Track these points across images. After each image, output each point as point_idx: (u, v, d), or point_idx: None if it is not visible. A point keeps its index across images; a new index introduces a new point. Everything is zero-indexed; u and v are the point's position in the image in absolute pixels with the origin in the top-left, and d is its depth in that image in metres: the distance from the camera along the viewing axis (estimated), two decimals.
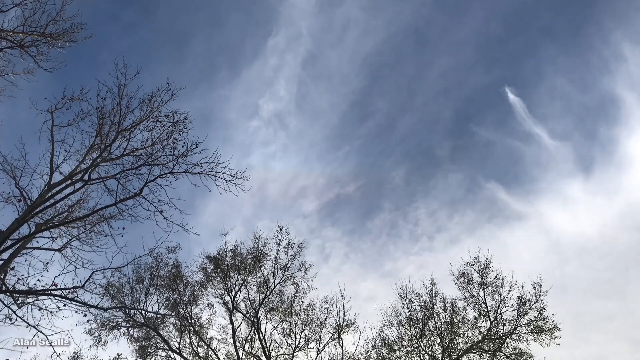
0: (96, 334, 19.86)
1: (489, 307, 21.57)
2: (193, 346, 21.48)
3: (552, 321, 20.86)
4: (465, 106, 51.98)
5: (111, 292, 19.55)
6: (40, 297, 10.89)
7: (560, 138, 48.68)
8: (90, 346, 19.56)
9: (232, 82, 49.68)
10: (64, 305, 10.91)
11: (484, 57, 51.10)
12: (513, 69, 50.31)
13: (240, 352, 21.29)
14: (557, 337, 20.65)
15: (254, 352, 21.82)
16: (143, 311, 20.09)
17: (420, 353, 21.80)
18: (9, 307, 10.61)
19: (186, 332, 21.52)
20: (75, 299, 10.86)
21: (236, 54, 49.37)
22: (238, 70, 50.01)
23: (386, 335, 22.50)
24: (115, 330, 20.17)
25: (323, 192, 51.01)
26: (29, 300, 10.91)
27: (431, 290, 22.70)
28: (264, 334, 21.65)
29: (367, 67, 51.91)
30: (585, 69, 48.24)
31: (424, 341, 22.06)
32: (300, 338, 21.93)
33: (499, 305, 21.52)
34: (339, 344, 21.93)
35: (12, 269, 11.18)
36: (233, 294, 21.91)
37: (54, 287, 10.78)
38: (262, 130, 50.08)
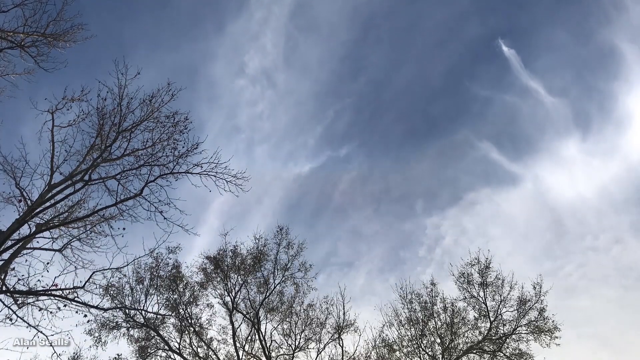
0: (96, 334, 19.86)
1: (489, 308, 21.59)
2: (193, 346, 21.48)
3: (553, 321, 20.90)
4: (460, 61, 49.29)
5: (111, 292, 19.57)
6: (41, 298, 10.90)
7: (558, 94, 46.29)
8: (90, 346, 19.57)
9: (217, 37, 46.44)
10: (64, 305, 10.93)
11: (479, 7, 47.48)
12: (508, 19, 47.04)
13: (240, 353, 21.30)
14: (557, 337, 20.68)
15: (254, 353, 21.82)
16: (143, 311, 20.10)
17: (420, 353, 21.80)
18: (9, 308, 10.62)
19: (186, 332, 21.51)
20: (76, 299, 10.88)
21: (220, 6, 45.83)
22: (222, 24, 46.52)
23: (386, 335, 22.53)
24: (115, 331, 20.17)
25: (315, 154, 48.56)
26: (29, 300, 10.92)
27: (431, 290, 22.74)
28: (264, 334, 21.66)
29: (358, 17, 47.78)
30: (583, 19, 45.32)
31: (424, 341, 22.06)
32: (300, 338, 21.95)
33: (499, 306, 21.54)
34: (339, 345, 21.95)
35: (13, 269, 11.19)
36: (233, 295, 21.92)
37: (54, 287, 10.80)
38: (249, 88, 47.11)
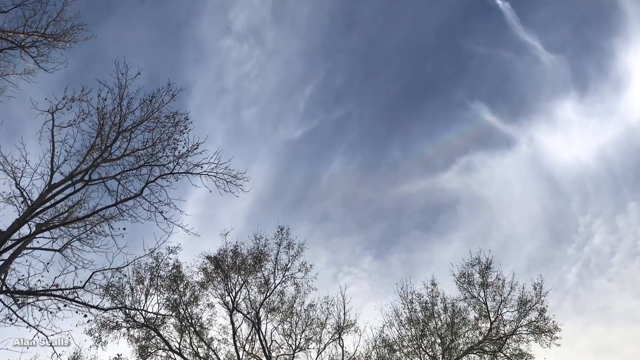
0: (96, 334, 19.83)
1: (489, 308, 21.57)
2: (193, 346, 21.47)
3: (553, 322, 20.90)
4: (453, 15, 46.58)
5: (111, 292, 19.55)
6: (41, 298, 10.90)
7: (555, 50, 43.65)
8: (90, 346, 19.53)
9: None
10: (64, 305, 10.94)
11: None
12: None
13: (241, 353, 21.28)
14: (557, 337, 20.67)
15: (254, 353, 21.80)
16: (143, 311, 20.08)
17: (420, 353, 21.78)
18: (9, 308, 10.62)
19: (186, 332, 21.50)
20: (76, 299, 10.88)
21: None
22: None
23: (386, 335, 22.51)
24: (116, 331, 20.14)
25: (306, 116, 46.14)
26: (30, 300, 10.91)
27: (432, 290, 22.71)
28: (264, 334, 21.66)
29: None
30: None
31: (425, 342, 22.04)
32: (300, 338, 21.94)
33: (499, 306, 21.54)
34: (340, 345, 21.94)
35: (13, 269, 11.20)
36: (233, 295, 21.91)
37: (54, 287, 10.80)
38: (236, 48, 44.38)
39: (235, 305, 21.73)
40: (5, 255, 10.89)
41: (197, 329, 21.66)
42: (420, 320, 22.34)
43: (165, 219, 12.59)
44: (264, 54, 45.87)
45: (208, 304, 22.29)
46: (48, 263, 11.49)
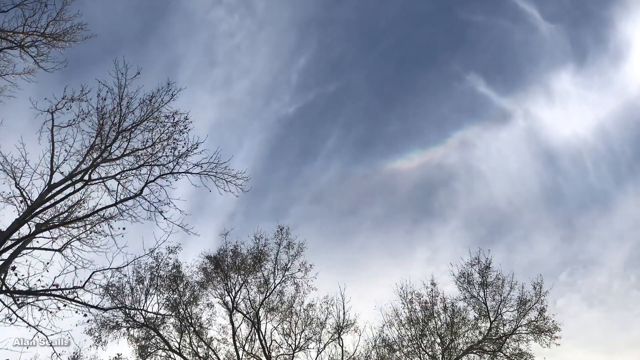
0: (96, 334, 19.84)
1: (489, 308, 21.57)
2: (193, 346, 21.48)
3: (553, 321, 20.90)
4: None
5: (111, 292, 19.56)
6: (41, 297, 10.88)
7: (554, 19, 42.12)
8: (90, 346, 19.54)
9: None
10: (64, 305, 10.93)
11: None
12: None
13: (240, 352, 21.30)
14: (557, 337, 20.68)
15: (254, 352, 21.82)
16: (143, 311, 20.08)
17: (420, 353, 21.79)
18: (9, 307, 10.59)
19: (186, 332, 21.51)
20: (76, 299, 10.87)
21: None
22: None
23: (386, 335, 22.52)
24: (116, 331, 20.16)
25: (300, 89, 44.47)
26: (29, 300, 10.89)
27: (431, 290, 22.71)
28: (264, 334, 21.67)
29: None
30: None
31: (424, 341, 22.05)
32: (300, 338, 21.95)
33: (499, 306, 21.53)
34: (339, 344, 21.95)
35: (13, 269, 11.18)
36: (233, 294, 21.93)
37: (54, 287, 10.79)
38: (226, 19, 42.88)
39: (234, 305, 21.74)
40: (5, 255, 10.88)
41: (196, 328, 21.67)
42: (420, 320, 22.36)
43: (165, 218, 12.60)
44: (254, 24, 44.07)
45: (207, 304, 22.35)
46: (48, 263, 11.45)
